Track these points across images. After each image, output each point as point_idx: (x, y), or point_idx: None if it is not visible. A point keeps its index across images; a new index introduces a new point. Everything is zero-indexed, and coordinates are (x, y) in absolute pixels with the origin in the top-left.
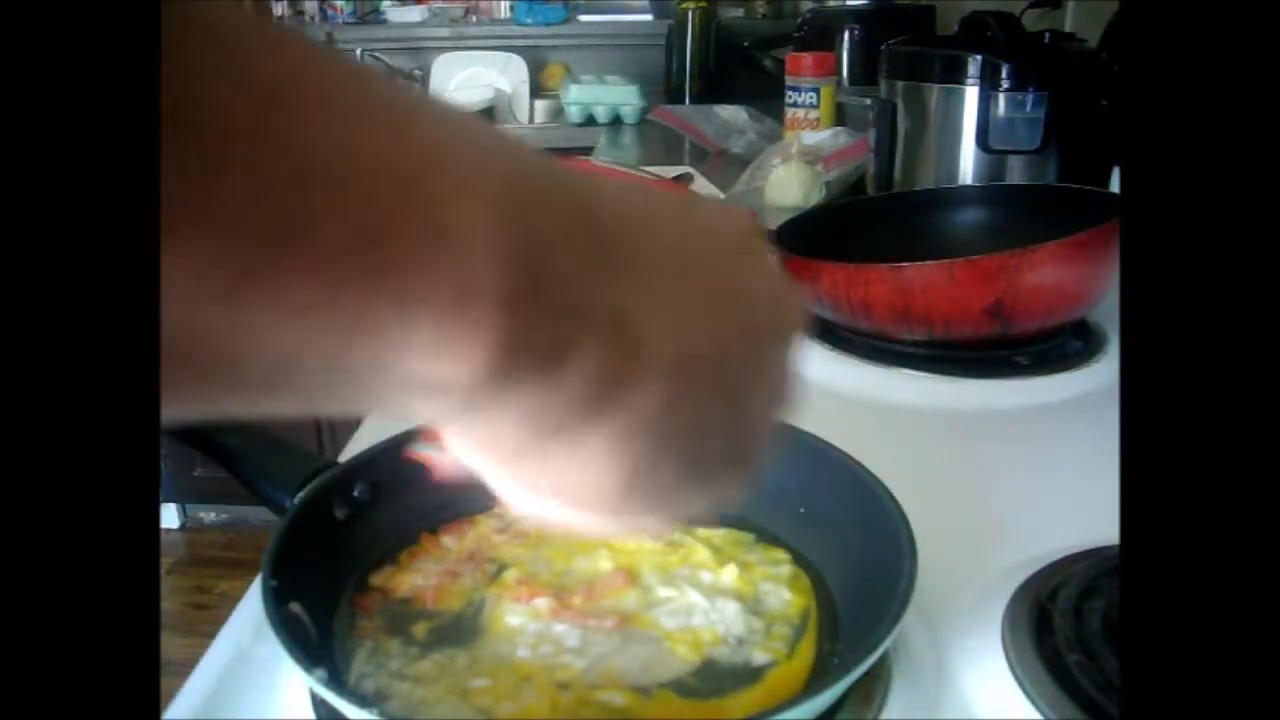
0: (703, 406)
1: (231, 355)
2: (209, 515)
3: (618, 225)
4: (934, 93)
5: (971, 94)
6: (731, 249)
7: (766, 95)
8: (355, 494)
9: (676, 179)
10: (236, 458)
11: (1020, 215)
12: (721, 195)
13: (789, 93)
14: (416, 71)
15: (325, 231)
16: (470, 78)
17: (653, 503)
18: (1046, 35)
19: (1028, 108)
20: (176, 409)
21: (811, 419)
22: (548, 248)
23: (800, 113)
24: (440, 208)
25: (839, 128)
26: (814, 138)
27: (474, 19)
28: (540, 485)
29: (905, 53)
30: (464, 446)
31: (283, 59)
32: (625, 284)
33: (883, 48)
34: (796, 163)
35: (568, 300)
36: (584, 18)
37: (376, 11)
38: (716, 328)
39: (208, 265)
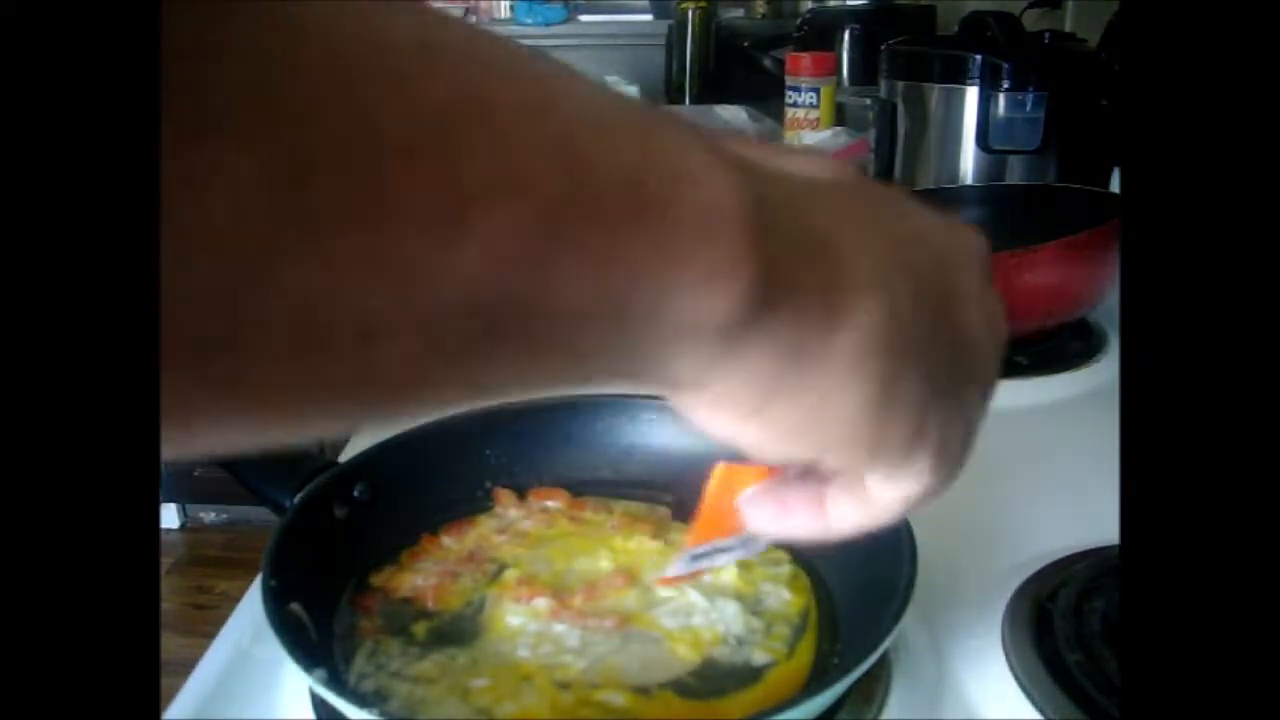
0: (919, 316)
1: (535, 314)
2: (209, 515)
3: (802, 181)
4: (934, 93)
5: (971, 94)
6: (896, 201)
7: (766, 95)
8: (355, 494)
9: None
10: (236, 458)
11: (1020, 215)
12: None
13: (789, 93)
14: None
15: (597, 179)
16: None
17: (911, 429)
18: (1046, 35)
19: (1028, 108)
20: (489, 384)
21: None
22: (758, 187)
23: (800, 113)
24: (674, 150)
25: (839, 128)
26: (814, 138)
27: (474, 19)
28: (796, 428)
29: (905, 53)
30: (711, 410)
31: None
32: (822, 222)
33: (883, 48)
34: None
35: (793, 228)
36: (584, 18)
37: None
38: (904, 262)
39: (522, 233)
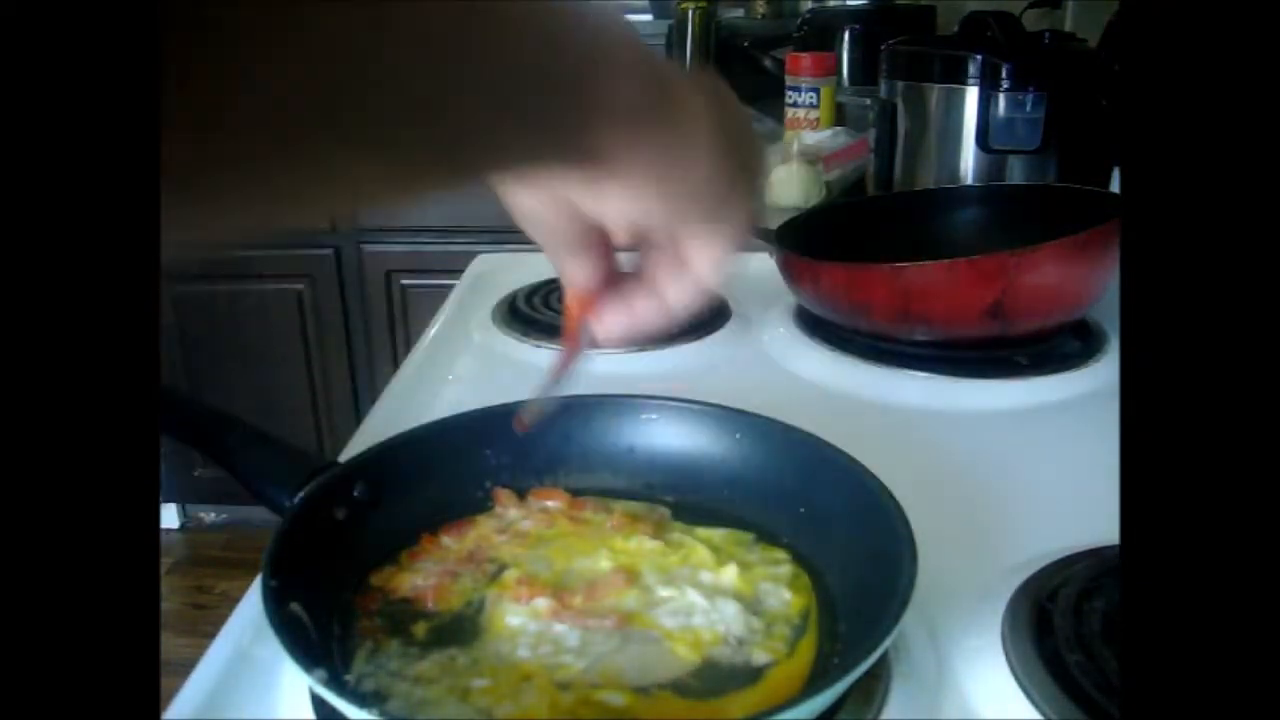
0: (721, 119)
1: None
2: (209, 515)
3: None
4: (934, 93)
5: (971, 94)
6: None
7: (766, 95)
8: (355, 494)
9: None
10: (236, 458)
11: (1020, 215)
12: None
13: (789, 93)
14: None
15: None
16: None
17: (726, 184)
18: (1046, 35)
19: (1028, 108)
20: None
21: (811, 419)
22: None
23: (800, 113)
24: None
25: (839, 128)
26: (814, 138)
27: None
28: (659, 166)
29: (905, 53)
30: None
31: None
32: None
33: (883, 48)
34: (796, 163)
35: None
36: None
37: None
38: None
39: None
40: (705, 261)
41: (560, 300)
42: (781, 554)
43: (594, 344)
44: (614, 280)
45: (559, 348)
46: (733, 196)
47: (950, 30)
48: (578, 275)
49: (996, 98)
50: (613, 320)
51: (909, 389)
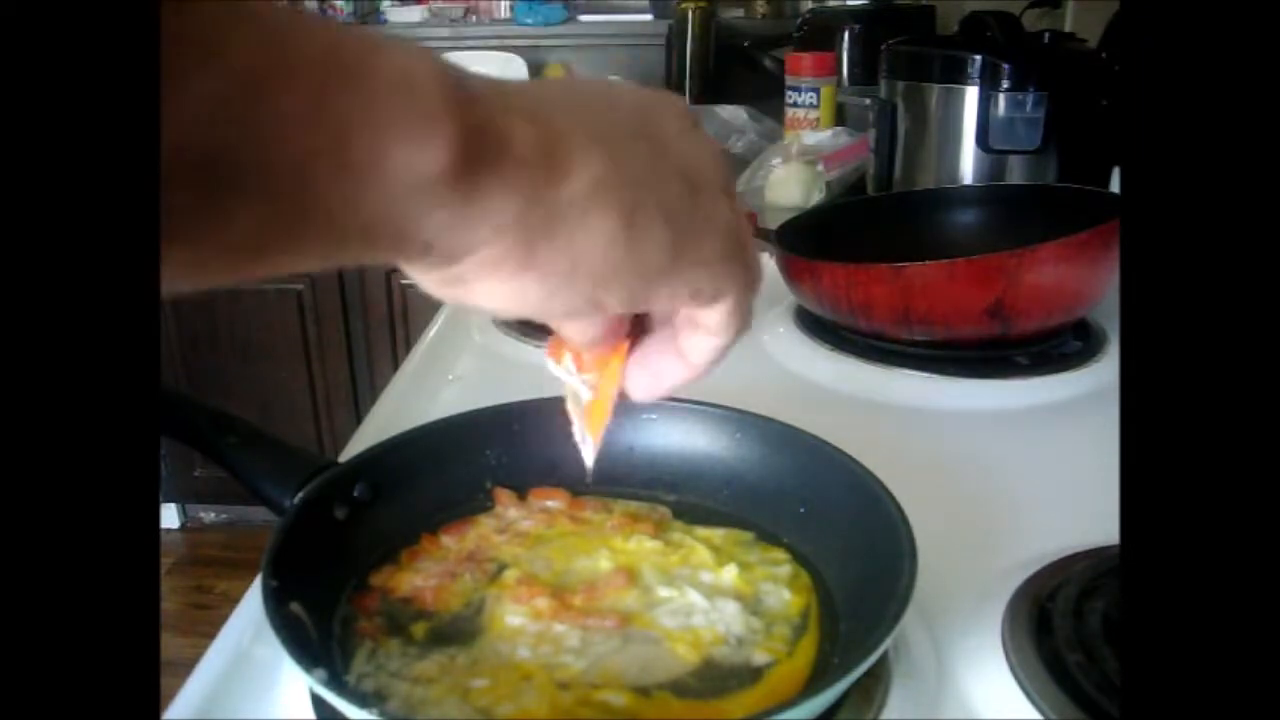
0: (636, 156)
1: (263, 162)
2: (209, 515)
3: (525, 88)
4: (934, 93)
5: (971, 94)
6: (598, 88)
7: (766, 95)
8: (355, 494)
9: None
10: (236, 458)
11: (1020, 215)
12: None
13: (789, 93)
14: None
15: (293, 50)
16: None
17: (666, 246)
18: (1046, 35)
19: (1028, 108)
20: (244, 245)
21: (811, 419)
22: (464, 80)
23: (800, 113)
24: (370, 33)
25: (839, 128)
26: (814, 138)
27: (474, 19)
28: (564, 269)
29: (905, 53)
30: (487, 277)
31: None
32: (538, 107)
33: (883, 48)
34: (796, 163)
35: (493, 107)
36: (584, 18)
37: (376, 12)
38: (614, 114)
39: (218, 96)
40: (714, 324)
41: None
42: (781, 554)
43: (624, 398)
44: (635, 327)
45: (582, 409)
46: (686, 245)
47: (950, 30)
48: (576, 336)
49: (996, 98)
50: (637, 385)
51: (909, 389)
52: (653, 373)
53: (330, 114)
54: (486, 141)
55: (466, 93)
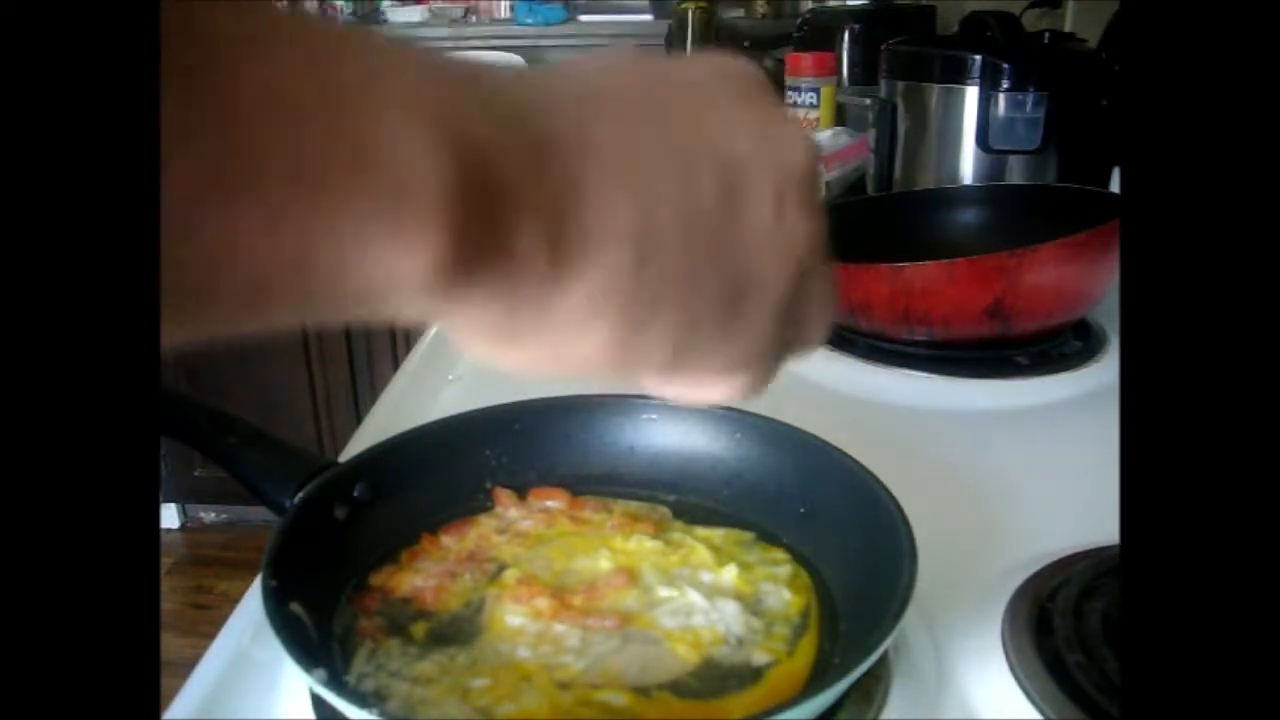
0: (682, 261)
1: (212, 278)
2: (209, 515)
3: (565, 115)
4: (934, 93)
5: (971, 94)
6: (707, 101)
7: None
8: (355, 494)
9: None
10: (236, 458)
11: (1020, 215)
12: None
13: (789, 93)
14: None
15: (262, 161)
16: None
17: (665, 359)
18: (1046, 35)
19: (1028, 108)
20: (176, 334)
21: (811, 419)
22: (481, 146)
23: (800, 112)
24: (370, 123)
25: (839, 128)
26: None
27: (474, 19)
28: (545, 360)
29: (905, 53)
30: (464, 336)
31: (220, 21)
32: (569, 168)
33: (883, 48)
34: None
35: (506, 189)
36: (584, 18)
37: (376, 12)
38: (683, 189)
39: (172, 198)
40: (711, 394)
41: None
42: (781, 554)
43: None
44: None
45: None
46: (690, 357)
47: (950, 30)
48: None
49: (996, 98)
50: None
51: (909, 389)
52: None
53: (288, 238)
54: (478, 247)
55: (476, 196)
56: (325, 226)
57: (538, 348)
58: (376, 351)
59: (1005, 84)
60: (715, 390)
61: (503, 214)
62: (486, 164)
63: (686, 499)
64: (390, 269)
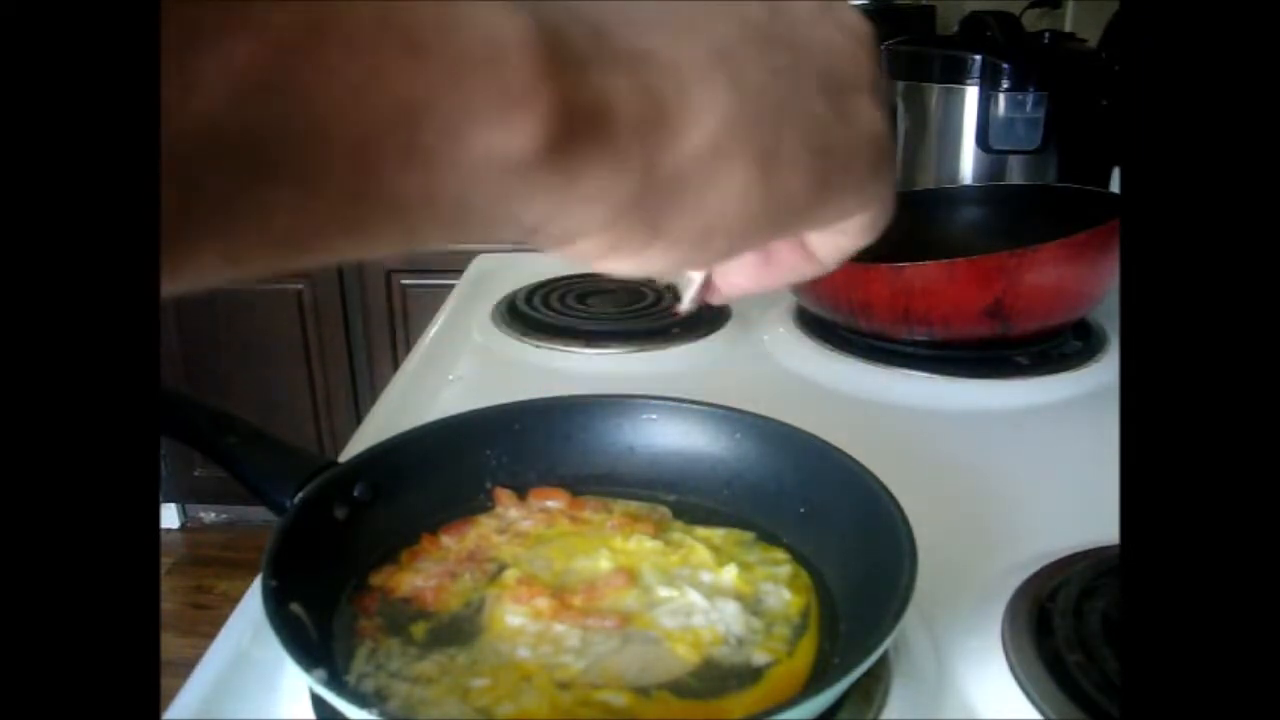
0: (770, 74)
1: (321, 133)
2: (209, 515)
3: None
4: (934, 93)
5: (971, 94)
6: None
7: None
8: (355, 494)
9: None
10: (236, 458)
11: (1020, 215)
12: None
13: None
14: None
15: (355, 13)
16: None
17: (812, 181)
18: (1046, 35)
19: (1028, 108)
20: (297, 216)
21: (811, 419)
22: (547, 17)
23: None
24: (463, 9)
25: None
26: None
27: None
28: (698, 234)
29: (905, 53)
30: (613, 256)
31: None
32: (629, 38)
33: (882, 48)
34: None
35: (584, 57)
36: None
37: None
38: (737, 18)
39: (254, 63)
40: (852, 228)
41: (561, 301)
42: (781, 554)
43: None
44: None
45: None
46: (833, 173)
47: (950, 30)
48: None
49: (996, 98)
50: (744, 271)
51: (909, 389)
52: (770, 260)
53: (392, 88)
54: (585, 114)
55: (562, 57)
56: (423, 82)
57: (681, 218)
58: (376, 351)
59: (1005, 84)
60: (860, 225)
61: (589, 77)
62: (559, 31)
63: (686, 499)
64: (494, 146)
